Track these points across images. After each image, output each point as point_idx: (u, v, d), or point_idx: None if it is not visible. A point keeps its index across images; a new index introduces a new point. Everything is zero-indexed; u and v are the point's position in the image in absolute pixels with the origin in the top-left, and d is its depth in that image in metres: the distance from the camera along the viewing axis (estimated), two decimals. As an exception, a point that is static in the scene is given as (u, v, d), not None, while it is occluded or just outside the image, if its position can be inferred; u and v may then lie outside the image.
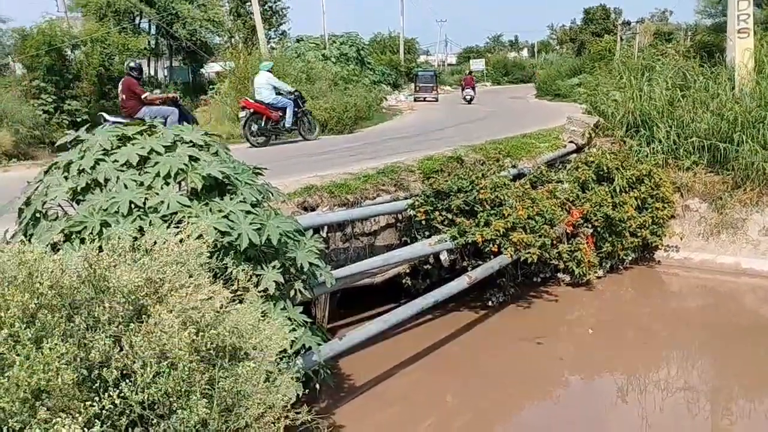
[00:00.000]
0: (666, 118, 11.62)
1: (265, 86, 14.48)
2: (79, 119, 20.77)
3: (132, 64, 11.76)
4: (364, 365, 6.96)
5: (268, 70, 15.02)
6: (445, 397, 6.78)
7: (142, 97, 11.35)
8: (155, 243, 2.89)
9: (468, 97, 31.82)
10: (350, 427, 5.88)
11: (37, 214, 4.62)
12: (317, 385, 5.67)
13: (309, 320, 5.18)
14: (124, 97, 11.41)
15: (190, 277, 2.77)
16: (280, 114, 14.35)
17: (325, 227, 7.46)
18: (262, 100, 14.29)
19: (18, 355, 2.21)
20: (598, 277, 9.56)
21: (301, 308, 5.05)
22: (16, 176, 10.36)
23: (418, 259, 8.36)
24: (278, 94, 14.57)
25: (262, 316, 3.04)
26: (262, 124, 14.09)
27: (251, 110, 13.97)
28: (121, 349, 2.42)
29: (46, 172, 4.93)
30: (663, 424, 6.18)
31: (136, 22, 31.40)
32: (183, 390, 2.36)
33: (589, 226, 9.54)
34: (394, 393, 6.75)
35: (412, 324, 8.00)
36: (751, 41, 11.86)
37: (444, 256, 8.33)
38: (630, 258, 10.05)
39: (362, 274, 7.36)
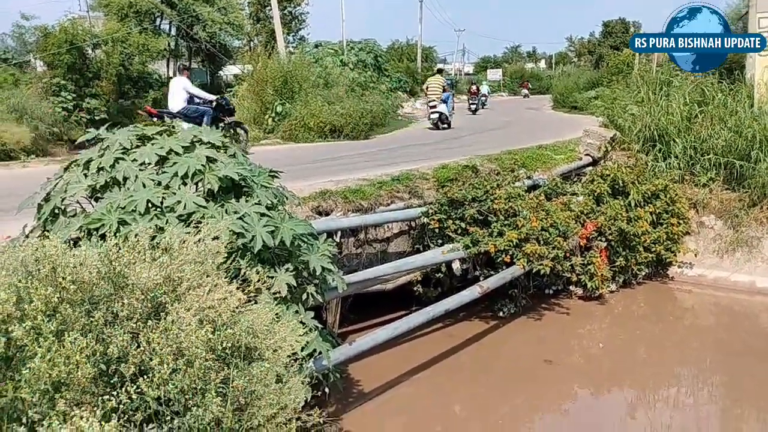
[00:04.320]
0: (683, 133, 11.55)
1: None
2: (97, 117, 20.97)
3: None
4: (374, 371, 6.97)
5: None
6: (454, 407, 6.76)
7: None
8: (174, 242, 2.92)
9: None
10: (359, 433, 5.88)
11: (56, 210, 4.68)
12: (326, 389, 5.69)
13: (320, 325, 5.20)
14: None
15: (207, 276, 2.80)
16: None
17: (339, 232, 7.50)
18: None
19: (40, 347, 2.25)
20: (611, 292, 9.52)
21: (312, 312, 5.07)
22: (35, 172, 10.50)
23: (430, 267, 8.36)
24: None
25: (275, 318, 3.07)
26: None
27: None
28: (139, 346, 2.45)
29: (65, 169, 4.99)
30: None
31: (157, 23, 31.66)
32: (198, 388, 2.38)
33: (603, 239, 9.49)
34: (402, 400, 6.75)
35: (423, 332, 8.00)
36: (772, 59, 11.79)
37: (456, 265, 8.33)
38: (643, 273, 9.99)
39: (374, 280, 7.38)
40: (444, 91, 20.29)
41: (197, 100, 12.91)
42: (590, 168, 11.67)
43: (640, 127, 12.11)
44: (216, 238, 3.81)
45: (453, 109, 21.95)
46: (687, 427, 6.44)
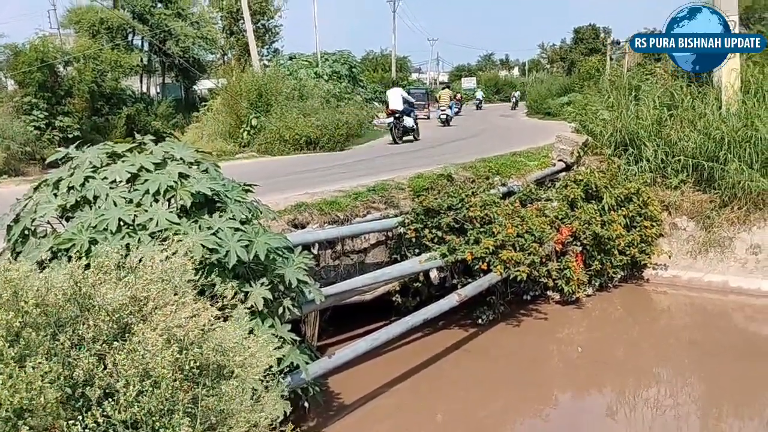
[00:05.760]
0: (654, 137, 11.70)
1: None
2: (70, 135, 20.77)
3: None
4: (354, 383, 6.94)
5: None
6: (436, 415, 6.76)
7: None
8: (140, 260, 2.90)
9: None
10: (339, 446, 5.86)
11: (26, 231, 4.63)
12: (306, 404, 5.66)
13: (297, 338, 5.18)
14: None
15: (175, 294, 2.77)
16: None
17: (316, 244, 7.48)
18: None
19: (0, 373, 2.20)
20: (588, 295, 9.58)
21: (289, 326, 5.06)
22: (6, 192, 10.35)
23: (408, 276, 8.37)
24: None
25: (249, 334, 3.05)
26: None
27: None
28: (105, 368, 2.42)
29: (35, 189, 4.94)
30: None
31: (129, 39, 31.52)
32: (166, 409, 2.35)
33: (578, 244, 9.57)
34: (383, 411, 6.73)
35: (402, 342, 7.99)
36: (738, 62, 11.99)
37: (434, 274, 8.35)
38: (619, 276, 10.08)
39: (352, 292, 7.37)
40: (450, 100, 29.56)
41: (405, 102, 19.61)
42: (564, 173, 11.76)
43: (611, 131, 12.26)
44: (188, 253, 3.80)
45: (460, 111, 35.73)
46: (666, 427, 6.49)
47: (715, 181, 10.78)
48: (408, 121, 19.66)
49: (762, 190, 10.23)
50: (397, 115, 19.20)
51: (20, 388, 2.13)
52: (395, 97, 19.61)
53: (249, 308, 4.44)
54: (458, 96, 41.66)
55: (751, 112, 11.13)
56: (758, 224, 10.21)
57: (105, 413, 2.28)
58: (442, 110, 28.41)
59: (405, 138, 19.72)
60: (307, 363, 5.12)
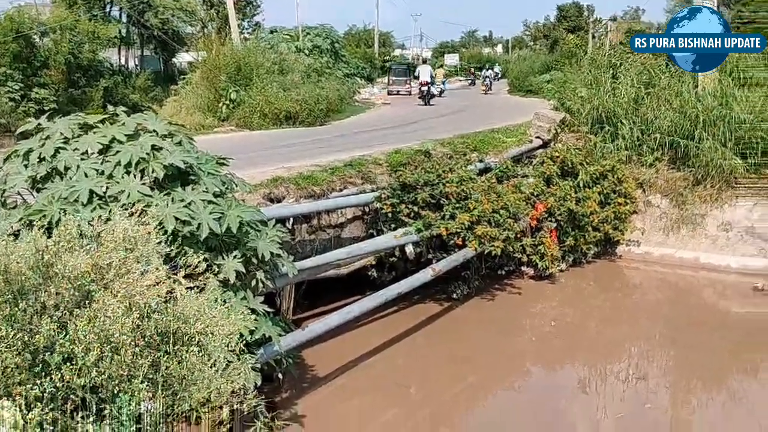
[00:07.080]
0: (630, 115, 11.80)
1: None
2: (46, 108, 20.39)
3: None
4: (329, 356, 7.01)
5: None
6: (409, 388, 6.86)
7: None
8: (103, 230, 2.91)
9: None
10: (312, 417, 5.93)
11: (-4, 202, 4.60)
12: (280, 375, 5.72)
13: (270, 310, 5.22)
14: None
15: (138, 263, 2.80)
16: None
17: (291, 219, 7.48)
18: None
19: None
20: (561, 271, 9.71)
21: (262, 298, 5.09)
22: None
23: (383, 251, 8.42)
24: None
25: (215, 303, 3.07)
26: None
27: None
28: (67, 334, 2.44)
29: (5, 160, 4.91)
30: (623, 413, 6.34)
31: (107, 10, 30.96)
32: (126, 374, 2.39)
33: (553, 220, 9.67)
34: (358, 384, 6.82)
35: (378, 315, 8.07)
36: (714, 41, 12.06)
37: (409, 249, 8.40)
38: (592, 252, 10.22)
39: (328, 266, 7.41)
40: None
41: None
42: (541, 150, 11.84)
43: (588, 109, 12.32)
44: (160, 224, 3.81)
45: (474, 83, 45.06)
46: (637, 398, 6.64)
47: (689, 159, 10.91)
48: (434, 90, 26.82)
49: (734, 168, 10.39)
50: (429, 86, 25.98)
51: (-25, 352, 2.15)
52: (425, 72, 26.50)
53: (222, 280, 4.47)
54: (471, 70, 50.85)
55: (726, 91, 11.23)
56: (729, 202, 10.39)
57: (63, 378, 2.31)
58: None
59: (431, 101, 26.05)
60: (279, 334, 5.16)
